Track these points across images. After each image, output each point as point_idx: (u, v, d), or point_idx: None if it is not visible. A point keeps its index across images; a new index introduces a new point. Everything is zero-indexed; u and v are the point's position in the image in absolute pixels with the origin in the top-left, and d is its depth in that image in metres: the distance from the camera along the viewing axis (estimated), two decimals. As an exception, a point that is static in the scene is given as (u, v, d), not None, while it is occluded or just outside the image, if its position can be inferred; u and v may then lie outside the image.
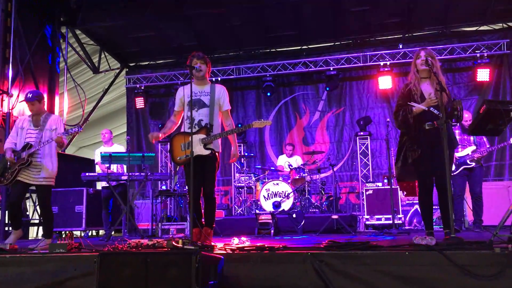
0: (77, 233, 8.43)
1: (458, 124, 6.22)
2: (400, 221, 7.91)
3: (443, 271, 3.08)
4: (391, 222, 7.36)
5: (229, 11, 9.68)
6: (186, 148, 4.55)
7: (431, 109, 4.11)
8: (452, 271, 3.06)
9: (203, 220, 4.76)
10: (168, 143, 10.93)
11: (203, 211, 4.78)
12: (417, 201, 7.45)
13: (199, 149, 4.57)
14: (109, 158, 7.02)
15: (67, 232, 7.77)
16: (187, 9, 9.45)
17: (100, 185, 8.86)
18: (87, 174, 7.17)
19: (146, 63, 12.21)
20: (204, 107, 4.73)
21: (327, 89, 10.78)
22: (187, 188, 5.23)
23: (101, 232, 9.73)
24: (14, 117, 7.94)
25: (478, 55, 9.87)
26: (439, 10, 9.77)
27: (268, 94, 11.06)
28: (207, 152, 4.62)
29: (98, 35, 10.82)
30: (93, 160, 9.85)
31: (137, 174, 7.27)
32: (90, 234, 9.20)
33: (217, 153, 4.75)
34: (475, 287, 3.00)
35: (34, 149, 5.02)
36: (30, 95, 5.21)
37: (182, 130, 4.85)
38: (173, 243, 3.67)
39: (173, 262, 3.04)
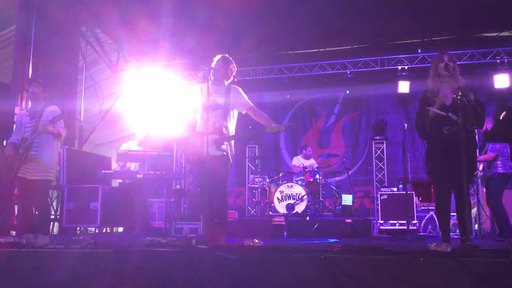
0: (91, 229, 8.50)
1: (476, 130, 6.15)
2: (414, 227, 7.83)
3: (458, 279, 3.05)
4: (405, 227, 7.29)
5: (247, 12, 9.67)
6: (200, 148, 4.56)
7: (450, 114, 4.07)
8: (467, 279, 3.02)
9: (215, 220, 4.76)
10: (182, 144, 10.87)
11: (215, 211, 4.79)
12: (433, 207, 7.42)
13: (211, 150, 4.58)
14: (125, 156, 7.07)
15: (82, 228, 7.86)
16: (206, 9, 9.48)
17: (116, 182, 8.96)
18: (103, 171, 7.23)
19: (164, 62, 12.28)
20: (218, 108, 4.74)
21: (347, 92, 10.70)
22: (199, 188, 5.24)
23: (115, 229, 9.82)
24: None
25: (498, 61, 9.75)
26: (459, 15, 9.64)
27: (288, 96, 11.07)
28: (220, 153, 4.63)
29: (117, 34, 10.91)
30: (109, 158, 9.94)
31: (152, 172, 7.31)
32: (104, 231, 9.28)
33: (230, 155, 4.76)
34: (491, 295, 2.97)
35: (29, 142, 4.88)
36: (37, 79, 5.18)
37: (196, 129, 4.85)
38: (187, 242, 3.69)
39: (187, 261, 3.05)
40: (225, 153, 4.66)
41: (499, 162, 6.65)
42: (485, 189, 6.76)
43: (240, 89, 4.93)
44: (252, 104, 4.89)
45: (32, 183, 4.94)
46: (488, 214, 7.89)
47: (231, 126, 4.80)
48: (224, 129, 4.68)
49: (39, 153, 4.94)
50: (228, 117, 4.75)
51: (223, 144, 4.64)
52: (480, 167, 6.86)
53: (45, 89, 5.21)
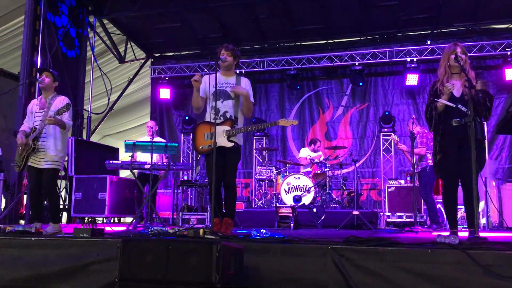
0: (99, 219, 8.57)
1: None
2: (422, 220, 7.82)
3: (465, 271, 3.04)
4: (412, 220, 7.28)
5: (255, 3, 9.64)
6: (210, 138, 4.55)
7: (459, 106, 4.04)
8: (475, 271, 3.02)
9: (223, 210, 4.78)
10: (191, 134, 10.97)
11: (223, 201, 4.81)
12: (440, 200, 7.41)
13: (222, 140, 4.58)
14: (132, 147, 7.09)
15: (90, 218, 7.92)
16: (213, 0, 9.45)
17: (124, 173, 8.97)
18: (111, 162, 7.27)
19: (171, 53, 12.30)
20: (229, 98, 4.73)
21: (360, 84, 10.63)
22: (208, 178, 5.25)
23: (123, 220, 9.89)
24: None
25: (508, 53, 9.64)
26: (469, 6, 9.55)
27: (298, 87, 11.04)
28: (231, 144, 4.62)
29: (125, 25, 10.93)
30: (117, 149, 9.97)
31: (160, 163, 7.34)
32: (112, 221, 9.35)
33: (239, 147, 4.76)
34: (498, 287, 2.95)
35: (37, 132, 4.89)
36: (48, 68, 5.17)
37: (206, 119, 4.84)
38: (195, 232, 3.71)
39: (194, 251, 3.07)
40: (235, 144, 4.66)
41: (429, 155, 6.84)
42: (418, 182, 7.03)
43: (249, 82, 4.92)
44: (253, 103, 4.88)
45: (41, 172, 4.97)
46: (496, 206, 7.87)
47: (241, 117, 4.80)
48: (235, 120, 4.68)
49: (47, 143, 4.97)
50: (238, 108, 4.74)
51: (234, 135, 4.64)
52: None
53: (56, 79, 5.21)
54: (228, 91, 4.74)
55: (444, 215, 5.58)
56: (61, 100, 5.06)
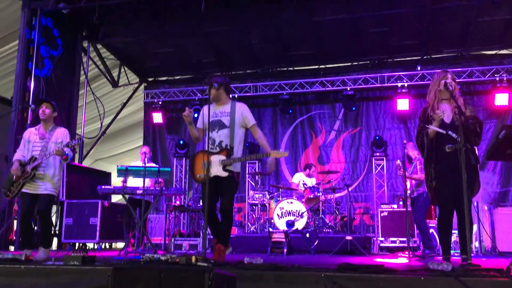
0: (90, 245, 8.46)
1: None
2: (415, 245, 7.79)
3: (459, 298, 3.02)
4: (406, 245, 7.26)
5: (248, 29, 9.77)
6: (206, 167, 4.59)
7: (450, 132, 4.08)
8: (468, 298, 3.00)
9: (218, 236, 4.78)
10: (184, 158, 10.91)
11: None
12: (433, 224, 7.41)
13: (217, 170, 4.62)
14: (125, 172, 7.06)
15: (81, 244, 7.83)
16: (207, 26, 9.56)
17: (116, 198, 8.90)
18: (103, 186, 7.23)
19: (165, 78, 12.36)
20: (224, 128, 4.76)
21: (353, 108, 10.72)
22: (202, 205, 5.26)
23: (114, 245, 9.77)
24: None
25: (497, 78, 9.79)
26: (458, 32, 9.74)
27: (290, 111, 11.11)
28: (226, 174, 4.64)
29: (119, 50, 11.01)
30: (110, 173, 9.91)
31: (152, 188, 7.30)
32: (103, 247, 9.23)
33: (235, 174, 4.77)
34: (492, 315, 2.94)
35: (38, 162, 4.99)
36: (48, 99, 5.32)
37: (205, 148, 4.86)
38: (187, 259, 3.67)
39: (187, 279, 3.03)
40: (230, 173, 4.67)
41: None
42: (411, 207, 7.01)
43: (245, 106, 4.94)
44: (255, 123, 4.91)
45: (35, 198, 5.03)
46: (489, 231, 7.88)
47: (237, 146, 4.81)
48: (230, 150, 4.70)
49: (47, 171, 5.07)
50: (234, 137, 4.76)
51: (230, 164, 4.66)
52: (408, 186, 7.04)
53: (55, 109, 5.32)
54: (223, 121, 4.77)
55: (438, 240, 5.60)
56: (62, 132, 5.22)
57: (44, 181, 5.04)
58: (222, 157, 4.65)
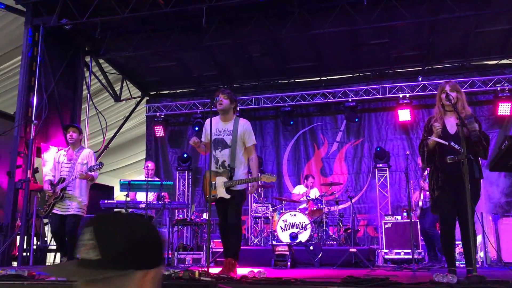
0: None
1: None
2: (420, 256, 7.74)
3: (465, 311, 3.00)
4: (410, 257, 7.21)
5: (248, 42, 9.81)
6: (214, 188, 4.75)
7: (452, 143, 4.07)
8: (474, 311, 2.98)
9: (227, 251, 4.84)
10: (187, 171, 10.87)
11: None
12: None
13: (222, 192, 4.74)
14: (128, 186, 7.06)
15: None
16: (208, 39, 9.62)
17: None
18: (105, 201, 7.21)
19: (166, 92, 12.41)
20: (226, 147, 4.80)
21: (356, 120, 10.72)
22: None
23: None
24: (37, 143, 8.06)
25: (499, 88, 9.79)
26: (459, 43, 9.76)
27: (291, 122, 11.11)
28: (229, 196, 4.73)
29: (121, 65, 11.07)
30: (112, 187, 9.91)
31: (155, 202, 7.29)
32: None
33: (239, 192, 4.80)
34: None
35: (66, 183, 5.38)
36: (74, 124, 5.69)
37: (212, 168, 4.88)
38: (190, 274, 3.65)
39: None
40: (234, 193, 4.71)
41: None
42: (420, 217, 7.15)
43: (249, 124, 4.96)
44: (255, 143, 4.99)
45: (63, 218, 5.47)
46: (494, 241, 7.82)
47: (239, 166, 4.82)
48: (231, 171, 4.72)
49: (74, 192, 5.51)
50: (235, 157, 4.78)
51: (232, 186, 4.70)
52: (422, 196, 7.04)
53: (81, 132, 5.82)
54: (226, 140, 4.79)
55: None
56: (87, 153, 5.68)
57: (71, 201, 5.45)
58: (225, 179, 4.72)
